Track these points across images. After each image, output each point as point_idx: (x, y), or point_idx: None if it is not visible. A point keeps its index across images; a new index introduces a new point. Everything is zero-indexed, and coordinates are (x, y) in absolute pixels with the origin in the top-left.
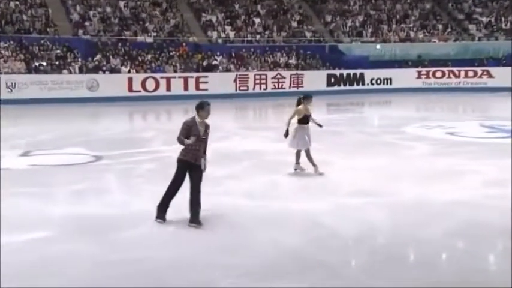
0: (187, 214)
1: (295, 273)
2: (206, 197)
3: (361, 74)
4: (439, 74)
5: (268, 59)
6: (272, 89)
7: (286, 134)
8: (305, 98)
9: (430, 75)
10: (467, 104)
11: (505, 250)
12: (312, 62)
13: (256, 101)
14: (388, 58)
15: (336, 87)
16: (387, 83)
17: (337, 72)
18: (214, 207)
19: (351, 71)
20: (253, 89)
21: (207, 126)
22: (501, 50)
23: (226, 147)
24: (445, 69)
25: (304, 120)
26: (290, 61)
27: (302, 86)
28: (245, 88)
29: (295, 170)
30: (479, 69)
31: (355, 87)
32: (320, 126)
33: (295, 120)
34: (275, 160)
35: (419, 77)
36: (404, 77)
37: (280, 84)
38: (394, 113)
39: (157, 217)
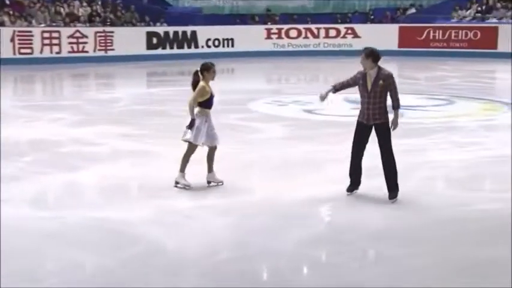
0: None
1: None
2: None
3: (193, 33)
4: (293, 33)
5: (62, 10)
6: (69, 52)
7: (191, 125)
8: (205, 69)
9: (283, 34)
10: (328, 72)
11: (380, 259)
12: (126, 15)
13: (46, 69)
14: (228, 12)
15: (159, 51)
16: (228, 45)
17: (160, 29)
18: None
19: (179, 29)
20: (41, 52)
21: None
22: (368, 2)
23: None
24: (300, 26)
25: (209, 103)
26: (97, 17)
27: (112, 49)
28: (28, 51)
29: (209, 183)
30: (342, 27)
31: (185, 50)
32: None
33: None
34: (74, 152)
35: (268, 36)
36: (249, 37)
37: (80, 46)
38: (238, 85)
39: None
